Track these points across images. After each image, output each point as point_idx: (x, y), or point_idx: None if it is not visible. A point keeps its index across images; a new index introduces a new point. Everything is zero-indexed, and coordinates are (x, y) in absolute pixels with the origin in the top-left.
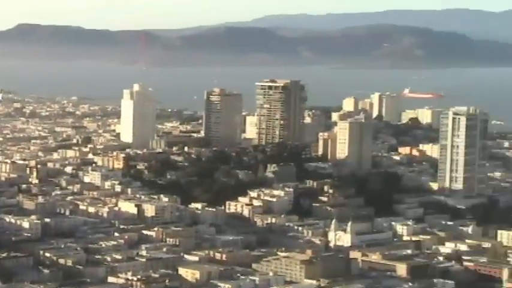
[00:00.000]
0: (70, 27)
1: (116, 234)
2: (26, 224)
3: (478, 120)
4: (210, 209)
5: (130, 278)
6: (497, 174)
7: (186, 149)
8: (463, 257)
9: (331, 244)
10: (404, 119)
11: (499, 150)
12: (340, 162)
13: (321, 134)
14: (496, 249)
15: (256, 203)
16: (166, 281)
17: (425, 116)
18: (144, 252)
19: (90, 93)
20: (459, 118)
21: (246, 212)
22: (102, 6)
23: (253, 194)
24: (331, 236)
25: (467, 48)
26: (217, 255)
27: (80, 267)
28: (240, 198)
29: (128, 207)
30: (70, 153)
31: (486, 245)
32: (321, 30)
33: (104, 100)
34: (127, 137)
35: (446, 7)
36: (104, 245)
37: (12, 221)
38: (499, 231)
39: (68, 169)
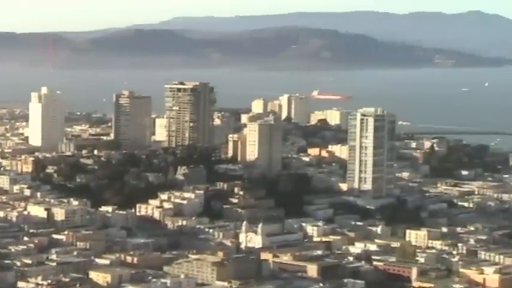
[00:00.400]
0: None
1: (26, 238)
2: None
3: (385, 121)
4: (121, 212)
5: (40, 282)
6: (405, 174)
7: (95, 152)
8: (373, 257)
9: (242, 246)
10: (313, 120)
11: (407, 150)
12: (250, 164)
13: (230, 135)
14: (405, 249)
15: (166, 205)
16: (77, 285)
17: (333, 117)
18: (54, 257)
19: None
20: (367, 119)
21: (156, 215)
22: (7, 9)
23: (163, 196)
24: (242, 237)
25: (374, 50)
26: (128, 258)
27: None
28: (151, 201)
29: (37, 211)
30: None
31: (395, 244)
32: (229, 32)
33: (11, 103)
34: (36, 140)
35: (353, 9)
36: (13, 250)
37: None
38: (408, 231)
39: None
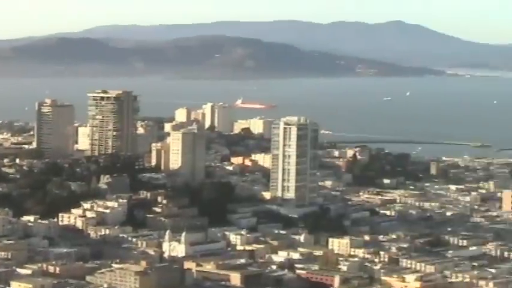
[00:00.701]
0: None
1: None
2: None
3: (308, 130)
4: (43, 221)
5: None
6: (328, 183)
7: (17, 160)
8: (296, 265)
9: (166, 255)
10: (236, 129)
11: (329, 159)
12: (173, 172)
13: (154, 144)
14: (328, 257)
15: (89, 214)
16: None
17: (257, 126)
18: None
19: None
20: (290, 128)
21: (79, 224)
22: None
23: (86, 205)
24: (165, 246)
25: (297, 59)
26: (51, 268)
27: None
28: (73, 210)
29: None
30: None
31: (318, 253)
32: (153, 41)
33: None
34: None
35: (276, 18)
36: None
37: None
38: (330, 239)
39: None
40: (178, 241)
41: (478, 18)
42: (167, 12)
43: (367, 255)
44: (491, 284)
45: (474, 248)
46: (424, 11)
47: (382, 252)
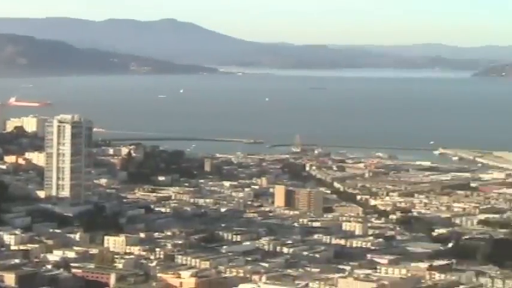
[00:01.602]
0: None
1: None
2: None
3: (83, 128)
4: None
5: None
6: (103, 181)
7: None
8: (71, 264)
9: None
10: (9, 127)
11: (104, 157)
12: None
13: None
14: (103, 255)
15: None
16: None
17: (30, 124)
18: None
19: None
20: (64, 126)
21: None
22: None
23: None
24: None
25: (72, 57)
26: None
27: None
28: None
29: None
30: None
31: (94, 251)
32: None
33: None
34: None
35: (48, 15)
36: None
37: None
38: (106, 237)
39: None
40: None
41: (249, 17)
42: None
43: (142, 253)
44: (264, 278)
45: (248, 243)
46: (197, 9)
47: (157, 249)
